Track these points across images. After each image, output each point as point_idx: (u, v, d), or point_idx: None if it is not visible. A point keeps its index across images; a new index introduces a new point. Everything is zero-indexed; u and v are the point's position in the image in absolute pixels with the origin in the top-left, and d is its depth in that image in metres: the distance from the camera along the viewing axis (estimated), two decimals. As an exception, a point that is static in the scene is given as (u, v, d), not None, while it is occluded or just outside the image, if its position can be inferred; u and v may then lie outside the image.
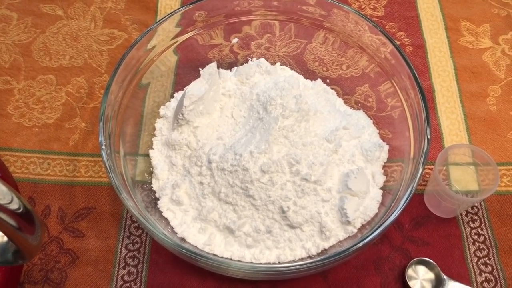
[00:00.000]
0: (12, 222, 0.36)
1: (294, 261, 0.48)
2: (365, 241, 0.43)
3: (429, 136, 0.46)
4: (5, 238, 0.42)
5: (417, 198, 0.57)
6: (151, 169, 0.54)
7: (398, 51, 0.53)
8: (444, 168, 0.58)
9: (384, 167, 0.54)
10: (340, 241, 0.49)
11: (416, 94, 0.50)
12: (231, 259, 0.48)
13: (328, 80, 0.62)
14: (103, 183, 0.57)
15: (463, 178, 0.57)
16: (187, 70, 0.64)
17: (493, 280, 0.52)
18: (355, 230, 0.49)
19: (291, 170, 0.48)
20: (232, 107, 0.55)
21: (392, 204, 0.47)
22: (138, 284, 0.51)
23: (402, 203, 0.45)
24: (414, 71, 0.51)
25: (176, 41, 0.60)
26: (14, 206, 0.36)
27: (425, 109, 0.48)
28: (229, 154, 0.49)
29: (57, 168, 0.58)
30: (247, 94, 0.55)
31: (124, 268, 0.52)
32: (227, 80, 0.57)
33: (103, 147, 0.46)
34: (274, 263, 0.48)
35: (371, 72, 0.60)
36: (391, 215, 0.44)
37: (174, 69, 0.63)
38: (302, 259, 0.48)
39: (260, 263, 0.47)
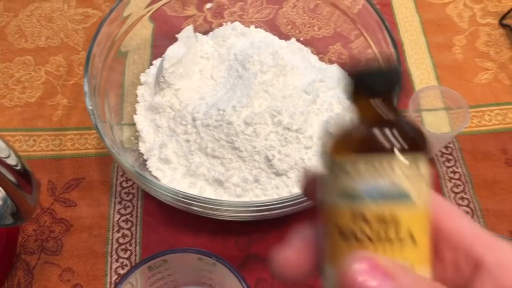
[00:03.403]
0: (11, 178, 0.36)
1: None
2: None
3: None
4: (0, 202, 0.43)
5: (394, 144, 0.59)
6: (137, 133, 0.56)
7: (370, 5, 0.56)
8: (418, 114, 0.61)
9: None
10: (325, 184, 0.51)
11: (387, 44, 0.53)
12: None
13: (301, 41, 0.64)
14: (91, 154, 0.58)
15: (436, 122, 0.60)
16: (163, 42, 0.65)
17: (470, 212, 0.55)
18: (338, 172, 0.51)
19: (273, 121, 0.50)
20: (211, 69, 0.57)
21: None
22: (134, 245, 0.53)
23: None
24: (384, 19, 0.53)
25: (151, 9, 0.61)
26: (12, 162, 0.37)
27: (394, 48, 0.51)
28: (212, 111, 0.51)
29: (43, 144, 0.59)
30: (225, 55, 0.57)
31: (118, 231, 0.54)
32: (204, 43, 0.58)
33: (91, 110, 0.47)
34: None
35: (343, 30, 0.62)
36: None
37: (150, 40, 0.65)
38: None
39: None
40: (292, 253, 0.23)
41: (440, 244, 0.22)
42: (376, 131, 0.21)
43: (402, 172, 0.21)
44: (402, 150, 0.21)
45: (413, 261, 0.21)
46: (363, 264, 0.19)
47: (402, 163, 0.21)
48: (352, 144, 0.22)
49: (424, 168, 0.21)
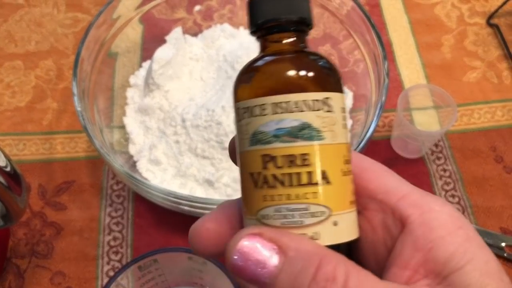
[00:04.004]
0: (1, 179, 0.36)
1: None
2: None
3: (387, 70, 0.49)
4: (-11, 205, 0.42)
5: (385, 143, 0.60)
6: (127, 135, 0.56)
7: (358, 6, 0.56)
8: (407, 112, 0.61)
9: (350, 117, 0.57)
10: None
11: (375, 44, 0.53)
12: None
13: (291, 42, 0.65)
14: (81, 158, 0.58)
15: (426, 121, 0.61)
16: (153, 45, 0.65)
17: (461, 209, 0.55)
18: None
19: (263, 121, 0.50)
20: (200, 70, 0.57)
21: (360, 141, 0.50)
22: (125, 247, 0.53)
23: (371, 127, 0.47)
24: (371, 20, 0.54)
25: (141, 11, 0.61)
26: (1, 163, 0.37)
27: (381, 46, 0.51)
28: (202, 111, 0.51)
29: (33, 148, 0.59)
30: (214, 57, 0.57)
31: (109, 234, 0.53)
32: (193, 45, 0.59)
33: (80, 112, 0.47)
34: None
35: (332, 31, 0.62)
36: (359, 144, 0.47)
37: (140, 43, 0.65)
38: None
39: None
40: (213, 225, 0.22)
41: (368, 205, 0.22)
42: (280, 69, 0.21)
43: (309, 110, 0.20)
44: (308, 88, 0.20)
45: (330, 205, 0.20)
46: (250, 240, 0.18)
47: (308, 101, 0.20)
48: (257, 85, 0.21)
49: (335, 106, 0.20)
